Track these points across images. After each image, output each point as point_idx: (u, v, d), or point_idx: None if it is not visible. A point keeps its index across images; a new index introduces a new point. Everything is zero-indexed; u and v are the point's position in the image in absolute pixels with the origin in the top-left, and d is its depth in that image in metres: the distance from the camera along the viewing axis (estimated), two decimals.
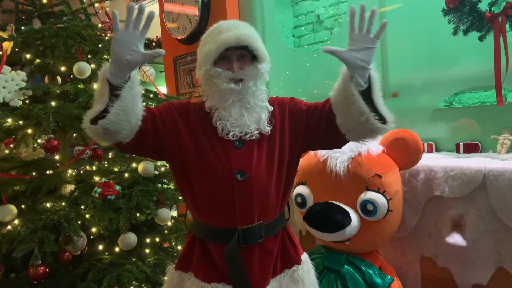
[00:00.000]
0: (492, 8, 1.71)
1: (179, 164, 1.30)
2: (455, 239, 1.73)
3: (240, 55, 1.26)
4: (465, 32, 1.77)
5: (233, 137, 1.24)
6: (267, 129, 1.28)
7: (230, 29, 1.23)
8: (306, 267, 1.40)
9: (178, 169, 1.31)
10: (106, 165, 2.28)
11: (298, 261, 1.38)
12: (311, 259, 1.80)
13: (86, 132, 1.16)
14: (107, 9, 2.36)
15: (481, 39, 1.75)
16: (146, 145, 1.24)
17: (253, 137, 1.26)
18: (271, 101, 1.36)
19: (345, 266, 1.72)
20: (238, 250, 1.24)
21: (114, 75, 1.08)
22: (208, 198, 1.28)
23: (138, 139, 1.20)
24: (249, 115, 1.26)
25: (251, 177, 1.25)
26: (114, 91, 1.09)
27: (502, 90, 1.76)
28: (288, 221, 1.43)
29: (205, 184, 1.26)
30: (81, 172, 2.17)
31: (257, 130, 1.27)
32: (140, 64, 1.11)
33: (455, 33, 1.79)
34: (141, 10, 1.04)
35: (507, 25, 1.70)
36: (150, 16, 1.06)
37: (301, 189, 1.86)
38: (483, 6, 1.73)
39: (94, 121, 1.12)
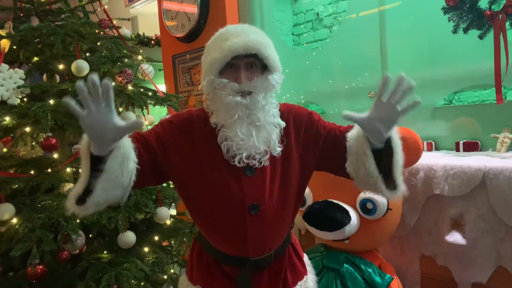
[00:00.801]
0: (492, 6, 1.71)
1: (186, 192, 1.21)
2: (455, 237, 1.72)
3: (249, 64, 1.12)
4: (465, 30, 1.77)
5: (239, 162, 1.11)
6: (277, 150, 1.15)
7: (238, 34, 1.10)
8: (312, 277, 1.38)
9: (185, 193, 1.22)
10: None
11: (305, 271, 1.36)
12: (311, 258, 1.80)
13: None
14: (106, 6, 2.34)
15: (481, 37, 1.75)
16: (148, 181, 1.18)
17: (262, 164, 1.14)
18: (284, 110, 1.22)
19: (345, 265, 1.72)
20: (249, 277, 1.20)
21: (97, 150, 0.98)
22: (219, 229, 1.20)
23: (139, 181, 1.10)
24: (258, 134, 1.11)
25: (264, 210, 1.15)
26: (96, 164, 0.98)
27: (502, 88, 1.75)
28: (291, 229, 1.36)
29: (214, 215, 1.18)
30: (79, 170, 2.16)
31: (267, 153, 1.14)
32: (122, 137, 0.99)
33: (455, 31, 1.79)
34: (93, 83, 0.88)
35: (507, 23, 1.70)
36: (106, 86, 0.90)
37: None
38: (483, 4, 1.73)
39: (80, 200, 1.00)
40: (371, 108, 1.03)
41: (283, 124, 1.17)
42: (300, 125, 1.22)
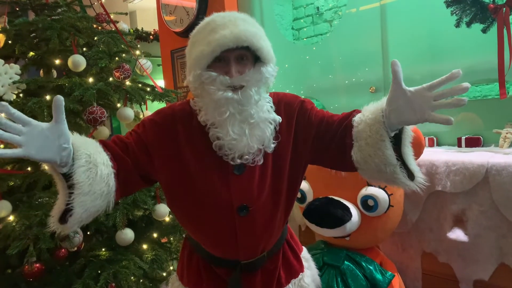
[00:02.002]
0: (496, 0, 1.68)
1: (171, 194, 1.14)
2: (457, 234, 1.71)
3: (240, 56, 1.03)
4: (468, 24, 1.74)
5: (232, 160, 1.05)
6: (271, 147, 1.08)
7: (226, 25, 1.00)
8: (309, 273, 1.31)
9: (170, 195, 1.14)
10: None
11: (301, 269, 1.28)
12: (311, 255, 1.78)
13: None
14: (103, 0, 2.31)
15: (484, 31, 1.72)
16: (137, 185, 1.10)
17: (255, 163, 1.07)
18: (275, 100, 1.14)
19: (346, 262, 1.70)
20: (240, 281, 1.15)
21: (59, 168, 0.90)
22: (207, 230, 1.13)
23: (125, 186, 1.04)
24: (251, 133, 1.03)
25: (254, 210, 1.08)
26: (68, 179, 0.91)
27: (505, 83, 1.73)
28: (287, 223, 1.31)
29: (202, 218, 1.11)
30: None
31: (260, 151, 1.07)
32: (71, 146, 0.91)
33: (457, 25, 1.76)
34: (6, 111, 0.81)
35: (511, 17, 1.67)
36: (58, 103, 0.84)
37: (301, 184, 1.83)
38: None
39: (62, 218, 0.93)
40: (410, 89, 0.92)
41: (278, 119, 1.09)
42: (291, 115, 1.13)
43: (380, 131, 0.97)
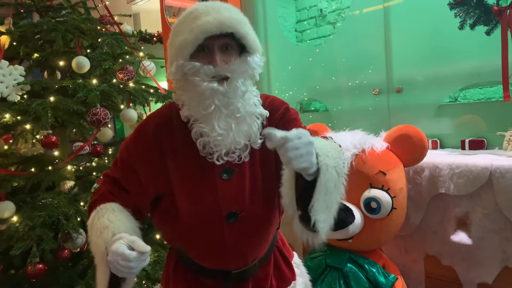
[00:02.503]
0: (500, 2, 1.68)
1: (158, 208, 1.10)
2: (460, 237, 1.70)
3: (224, 45, 0.98)
4: (472, 26, 1.73)
5: (218, 160, 0.99)
6: (258, 143, 1.03)
7: (209, 12, 0.95)
8: (301, 280, 1.25)
9: (156, 209, 1.10)
10: (105, 161, 2.26)
11: (293, 277, 1.23)
12: (314, 257, 1.78)
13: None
14: (107, 2, 2.32)
15: (488, 33, 1.72)
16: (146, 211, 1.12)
17: (242, 160, 1.02)
18: (265, 100, 1.10)
19: (348, 265, 1.69)
20: None
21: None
22: (195, 240, 1.07)
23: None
24: (238, 128, 0.98)
25: (243, 217, 1.03)
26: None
27: (509, 85, 1.72)
28: (278, 229, 1.23)
29: (189, 227, 1.05)
30: (80, 168, 2.14)
31: (247, 147, 1.03)
32: None
33: (461, 27, 1.76)
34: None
35: None
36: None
37: None
38: None
39: None
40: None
41: (266, 113, 1.05)
42: (274, 119, 1.08)
43: (286, 173, 0.93)
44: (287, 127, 1.03)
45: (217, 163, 1.00)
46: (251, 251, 1.09)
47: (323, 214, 0.92)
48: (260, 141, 1.03)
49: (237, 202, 1.03)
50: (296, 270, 1.26)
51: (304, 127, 1.11)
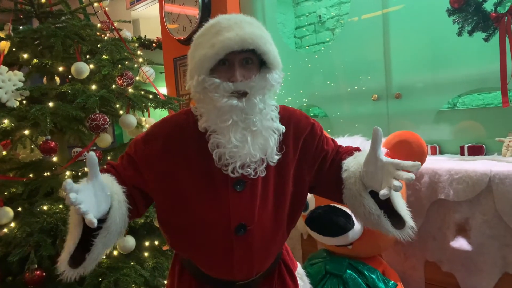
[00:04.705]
0: (498, 8, 1.69)
1: (164, 212, 1.10)
2: (460, 243, 1.69)
3: (245, 60, 0.98)
4: (470, 33, 1.74)
5: (232, 172, 0.99)
6: (275, 159, 1.02)
7: (232, 27, 0.96)
8: None
9: (163, 212, 1.11)
10: (105, 167, 2.25)
11: None
12: (313, 264, 1.77)
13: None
14: (107, 9, 2.33)
15: (486, 39, 1.72)
16: (139, 210, 1.09)
17: (258, 175, 1.01)
18: (284, 115, 1.10)
19: (348, 271, 1.69)
20: None
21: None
22: (202, 250, 1.08)
23: (132, 216, 1.04)
24: (253, 141, 0.98)
25: (252, 229, 1.04)
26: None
27: (508, 91, 1.73)
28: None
29: (195, 237, 1.06)
30: (79, 174, 2.14)
31: (263, 161, 1.02)
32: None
33: (459, 33, 1.76)
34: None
35: None
36: (92, 161, 0.87)
37: None
38: (488, 6, 1.70)
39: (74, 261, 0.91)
40: (382, 159, 0.93)
41: (282, 128, 1.05)
42: (300, 134, 1.10)
43: (358, 186, 1.00)
44: (314, 143, 1.11)
45: (232, 175, 0.99)
46: (257, 264, 1.10)
47: (403, 211, 1.00)
48: (277, 157, 1.03)
49: (247, 215, 1.03)
50: (299, 281, 1.27)
51: (329, 138, 1.17)
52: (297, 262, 1.34)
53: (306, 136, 1.11)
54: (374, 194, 1.00)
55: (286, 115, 1.11)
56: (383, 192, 0.88)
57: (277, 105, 1.09)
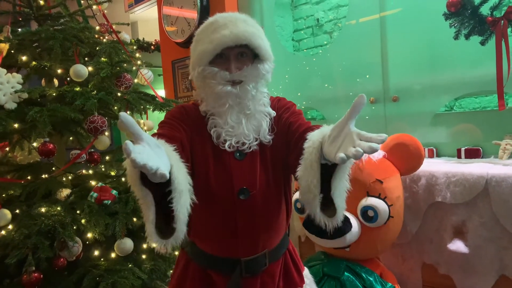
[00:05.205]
0: (494, 12, 1.70)
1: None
2: (457, 246, 1.70)
3: (239, 53, 1.12)
4: (467, 36, 1.75)
5: (229, 147, 1.11)
6: (267, 138, 1.15)
7: (227, 25, 1.09)
8: None
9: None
10: (102, 169, 2.25)
11: (301, 283, 1.28)
12: (311, 266, 1.78)
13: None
14: (105, 11, 2.34)
15: (483, 43, 1.73)
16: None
17: (251, 149, 1.13)
18: (273, 102, 1.23)
19: (346, 273, 1.69)
20: (240, 284, 1.14)
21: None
22: (207, 221, 1.15)
23: None
24: (247, 123, 1.12)
25: (255, 195, 1.11)
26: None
27: (504, 94, 1.74)
28: (288, 235, 1.31)
29: (203, 204, 1.07)
30: (77, 176, 2.14)
31: (256, 140, 1.14)
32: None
33: (456, 37, 1.77)
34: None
35: (509, 29, 1.69)
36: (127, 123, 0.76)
37: None
38: (484, 10, 1.71)
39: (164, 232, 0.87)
40: (351, 128, 0.84)
41: (273, 113, 1.18)
42: (280, 109, 1.21)
43: (313, 156, 0.92)
44: (289, 116, 1.17)
45: (228, 150, 1.11)
46: (261, 236, 1.15)
47: (340, 200, 0.97)
48: (269, 137, 1.15)
49: (248, 180, 1.12)
50: (306, 280, 1.30)
51: (302, 118, 1.18)
52: (305, 267, 1.36)
53: (284, 109, 1.21)
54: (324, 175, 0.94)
55: (275, 101, 1.25)
56: (340, 155, 0.79)
57: (268, 92, 1.22)
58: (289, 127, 1.15)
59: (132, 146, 0.71)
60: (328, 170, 0.94)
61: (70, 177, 2.05)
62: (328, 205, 0.97)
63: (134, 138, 0.78)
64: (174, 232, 0.88)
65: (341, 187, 0.96)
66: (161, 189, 0.85)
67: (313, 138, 0.95)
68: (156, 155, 0.79)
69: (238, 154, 1.13)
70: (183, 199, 0.87)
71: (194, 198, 0.92)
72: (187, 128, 1.15)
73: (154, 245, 0.91)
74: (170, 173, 0.83)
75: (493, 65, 1.72)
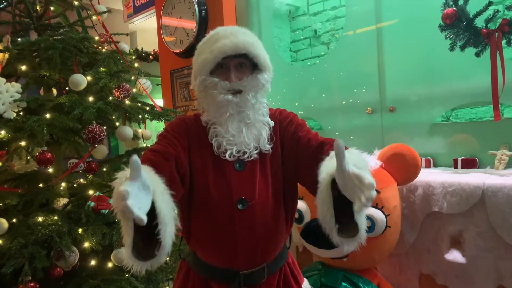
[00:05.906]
0: (489, 25, 1.72)
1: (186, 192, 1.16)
2: (454, 256, 1.70)
3: (239, 64, 1.16)
4: (462, 48, 1.77)
5: (230, 157, 1.13)
6: (267, 147, 1.17)
7: (227, 36, 1.14)
8: None
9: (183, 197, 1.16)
10: (100, 178, 2.25)
11: None
12: (308, 276, 1.77)
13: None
14: (104, 22, 2.35)
15: (478, 55, 1.76)
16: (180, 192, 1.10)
17: (252, 158, 1.15)
18: (273, 114, 1.25)
19: (343, 283, 1.69)
20: None
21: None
22: (207, 231, 1.16)
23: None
24: (248, 132, 1.14)
25: (253, 206, 1.12)
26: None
27: (499, 105, 1.76)
28: (289, 248, 1.32)
29: (203, 215, 1.15)
30: (74, 185, 2.14)
31: (256, 149, 1.15)
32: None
33: (452, 48, 1.80)
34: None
35: (503, 41, 1.71)
36: (135, 164, 0.77)
37: (298, 204, 1.83)
38: (479, 22, 1.74)
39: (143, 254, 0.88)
40: (349, 170, 0.83)
41: (272, 123, 1.20)
42: (283, 122, 1.23)
43: (324, 193, 0.92)
44: (296, 130, 1.19)
45: (229, 159, 1.13)
46: (259, 248, 1.15)
47: (361, 221, 0.95)
48: (269, 145, 1.17)
49: (247, 191, 1.13)
50: None
51: (304, 130, 1.19)
52: (304, 278, 1.36)
53: (288, 122, 1.23)
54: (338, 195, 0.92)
55: (276, 112, 1.27)
56: (357, 208, 0.81)
57: (268, 103, 1.23)
58: (298, 142, 1.15)
59: (128, 195, 0.72)
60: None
61: (67, 187, 2.05)
62: (347, 225, 0.95)
63: (131, 176, 0.78)
64: (155, 257, 0.89)
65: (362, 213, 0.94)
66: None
67: (323, 174, 0.93)
68: (141, 197, 0.79)
69: (238, 164, 1.15)
70: (169, 230, 0.88)
71: (179, 225, 0.97)
72: (185, 142, 1.16)
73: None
74: (155, 206, 0.84)
75: (488, 76, 1.74)
